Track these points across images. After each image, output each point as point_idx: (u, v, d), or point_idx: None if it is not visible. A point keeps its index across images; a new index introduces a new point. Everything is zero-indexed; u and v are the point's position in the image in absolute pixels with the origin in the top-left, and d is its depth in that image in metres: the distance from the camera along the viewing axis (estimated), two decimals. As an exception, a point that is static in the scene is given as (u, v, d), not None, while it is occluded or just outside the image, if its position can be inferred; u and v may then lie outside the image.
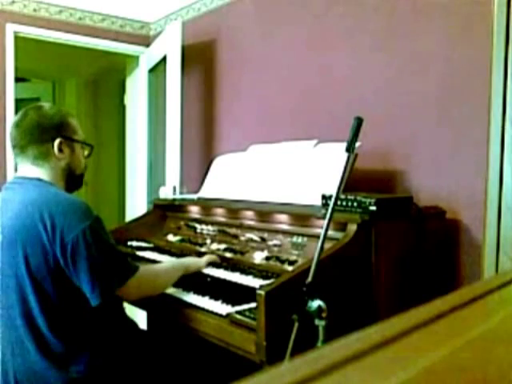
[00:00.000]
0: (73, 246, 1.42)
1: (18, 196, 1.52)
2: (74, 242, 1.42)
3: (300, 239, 1.77)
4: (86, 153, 1.73)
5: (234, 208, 2.10)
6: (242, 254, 1.88)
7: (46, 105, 1.69)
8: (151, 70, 3.54)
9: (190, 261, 1.83)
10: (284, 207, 1.91)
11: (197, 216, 2.32)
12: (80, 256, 1.42)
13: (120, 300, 1.63)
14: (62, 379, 1.48)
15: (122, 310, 1.71)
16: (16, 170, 1.68)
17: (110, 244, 1.51)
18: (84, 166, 1.72)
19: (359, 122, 1.33)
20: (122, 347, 1.60)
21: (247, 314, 1.46)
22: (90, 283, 1.43)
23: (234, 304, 1.56)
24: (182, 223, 2.35)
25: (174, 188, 2.90)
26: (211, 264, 1.88)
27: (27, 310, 1.48)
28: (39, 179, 1.58)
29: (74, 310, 1.48)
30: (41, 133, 1.58)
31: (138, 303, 1.84)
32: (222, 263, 1.89)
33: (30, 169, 1.60)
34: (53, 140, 1.59)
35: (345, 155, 1.32)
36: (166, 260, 2.03)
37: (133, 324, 1.77)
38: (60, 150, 1.60)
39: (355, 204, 1.62)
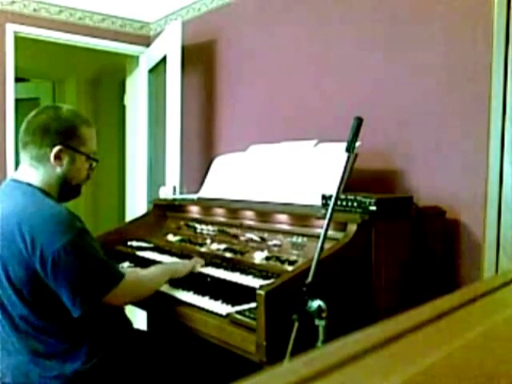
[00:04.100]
0: (53, 261, 1.40)
1: (4, 203, 1.50)
2: (54, 256, 1.40)
3: (300, 239, 1.77)
4: (94, 165, 1.67)
5: (233, 208, 2.10)
6: (242, 254, 1.88)
7: (65, 107, 1.64)
8: (151, 70, 3.54)
9: (177, 265, 1.82)
10: (284, 207, 1.91)
11: (197, 216, 2.32)
12: (60, 270, 1.40)
13: None
14: (57, 378, 1.47)
15: (121, 308, 1.70)
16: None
17: (93, 255, 1.47)
18: (84, 178, 1.65)
19: (359, 121, 1.33)
20: (118, 346, 1.60)
21: (247, 314, 1.46)
22: (70, 297, 1.42)
23: (234, 304, 1.56)
24: (182, 223, 2.35)
25: (174, 188, 2.90)
26: (211, 264, 1.88)
27: (9, 315, 1.48)
28: (30, 184, 1.54)
29: (62, 312, 1.46)
30: (43, 135, 1.54)
31: (137, 303, 1.84)
32: (222, 263, 1.89)
33: (25, 169, 1.57)
34: (53, 146, 1.54)
35: (345, 155, 1.32)
36: (166, 260, 2.03)
37: (128, 323, 1.76)
38: (58, 157, 1.55)
39: (355, 204, 1.62)
